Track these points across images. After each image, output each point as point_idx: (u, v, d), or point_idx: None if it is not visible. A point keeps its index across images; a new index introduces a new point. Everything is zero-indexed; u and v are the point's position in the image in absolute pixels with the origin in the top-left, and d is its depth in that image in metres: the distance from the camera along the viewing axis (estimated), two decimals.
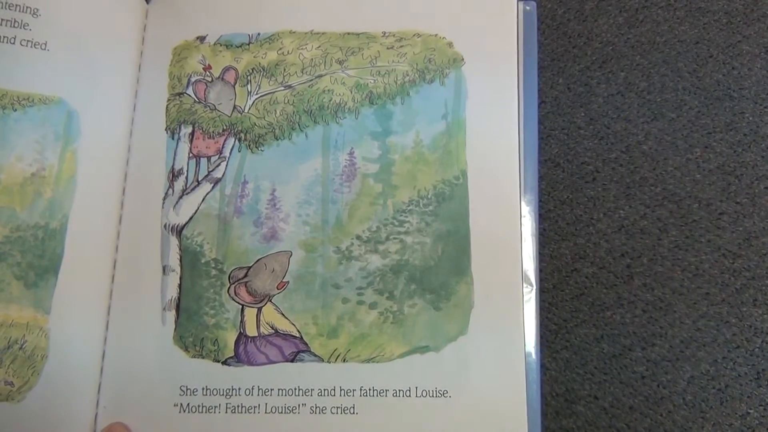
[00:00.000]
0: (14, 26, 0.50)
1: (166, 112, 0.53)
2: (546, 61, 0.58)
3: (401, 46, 0.54)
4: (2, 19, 0.49)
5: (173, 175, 0.51)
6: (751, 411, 0.51)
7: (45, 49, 0.50)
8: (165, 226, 0.50)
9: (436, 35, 0.54)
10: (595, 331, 0.53)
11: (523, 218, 0.50)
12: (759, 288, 0.53)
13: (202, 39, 0.54)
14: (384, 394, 0.48)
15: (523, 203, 0.50)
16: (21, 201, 0.48)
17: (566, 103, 0.57)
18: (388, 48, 0.54)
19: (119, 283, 0.49)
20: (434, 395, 0.48)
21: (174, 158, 0.52)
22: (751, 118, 0.57)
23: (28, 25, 0.50)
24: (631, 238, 0.54)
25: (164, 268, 0.50)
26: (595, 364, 0.52)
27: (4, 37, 0.49)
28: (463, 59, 0.53)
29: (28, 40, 0.50)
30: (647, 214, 0.55)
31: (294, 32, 0.54)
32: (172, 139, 0.52)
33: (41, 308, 0.47)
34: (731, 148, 0.56)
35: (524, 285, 0.49)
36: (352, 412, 0.47)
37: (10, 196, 0.48)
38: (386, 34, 0.54)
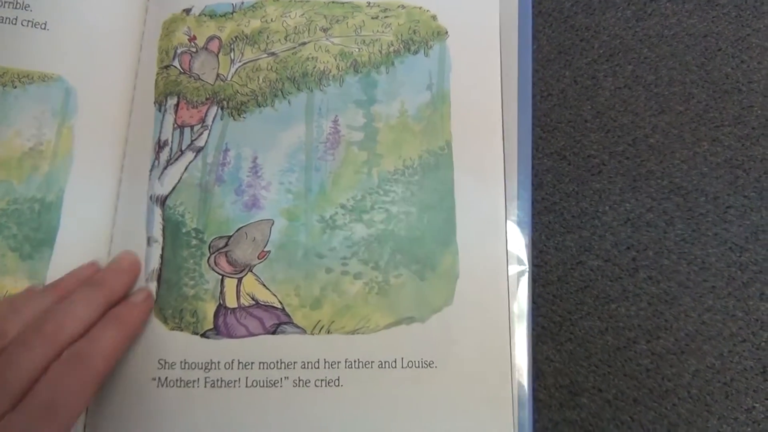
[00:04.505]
0: (15, 7, 0.51)
1: (155, 86, 0.53)
2: (553, 54, 0.58)
3: (386, 17, 0.54)
4: (4, 1, 0.52)
5: (159, 146, 0.51)
6: (756, 405, 0.50)
7: (45, 28, 0.51)
8: (151, 197, 0.50)
9: (420, 8, 0.54)
10: (599, 324, 0.52)
11: (507, 191, 0.50)
12: (765, 282, 0.52)
13: (188, 11, 0.54)
14: (369, 365, 0.47)
15: (507, 177, 0.50)
16: (18, 174, 0.49)
17: (573, 96, 0.57)
18: (372, 18, 0.54)
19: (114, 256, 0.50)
20: (420, 366, 0.47)
21: (160, 130, 0.52)
22: (759, 112, 0.56)
23: (29, 6, 0.52)
24: (637, 231, 0.54)
25: (148, 239, 0.49)
26: (599, 356, 0.52)
27: (5, 18, 0.51)
28: (446, 32, 0.53)
29: (28, 21, 0.51)
30: (653, 207, 0.54)
31: (278, 0, 0.54)
32: (159, 111, 0.52)
33: (36, 280, 0.48)
34: (739, 142, 0.55)
35: (517, 264, 0.49)
36: (336, 384, 0.47)
37: (8, 170, 0.49)
38: (371, 5, 0.54)
